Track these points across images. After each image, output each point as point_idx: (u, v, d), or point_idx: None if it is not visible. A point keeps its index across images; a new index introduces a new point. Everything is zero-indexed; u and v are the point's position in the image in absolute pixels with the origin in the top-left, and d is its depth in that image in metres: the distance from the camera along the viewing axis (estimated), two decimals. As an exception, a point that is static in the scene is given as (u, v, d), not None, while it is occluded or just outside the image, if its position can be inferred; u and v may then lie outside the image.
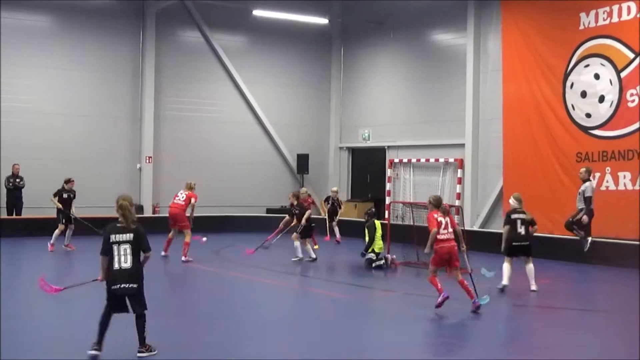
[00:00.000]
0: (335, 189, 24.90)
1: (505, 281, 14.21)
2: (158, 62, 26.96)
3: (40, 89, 25.15)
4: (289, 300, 14.01)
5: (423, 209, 17.02)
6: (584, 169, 18.25)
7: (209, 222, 20.49)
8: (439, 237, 11.99)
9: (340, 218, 23.90)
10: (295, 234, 18.77)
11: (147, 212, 26.29)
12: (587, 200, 17.76)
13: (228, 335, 10.42)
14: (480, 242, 19.91)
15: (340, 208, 23.98)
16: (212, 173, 27.41)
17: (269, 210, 28.39)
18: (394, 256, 18.10)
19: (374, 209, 19.04)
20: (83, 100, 25.87)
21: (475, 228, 23.14)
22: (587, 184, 17.88)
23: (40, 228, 21.38)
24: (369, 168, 29.47)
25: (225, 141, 28.35)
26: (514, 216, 14.37)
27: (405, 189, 26.80)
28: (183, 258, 17.67)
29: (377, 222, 18.06)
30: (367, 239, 17.78)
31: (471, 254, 17.17)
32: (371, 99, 29.05)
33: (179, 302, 13.40)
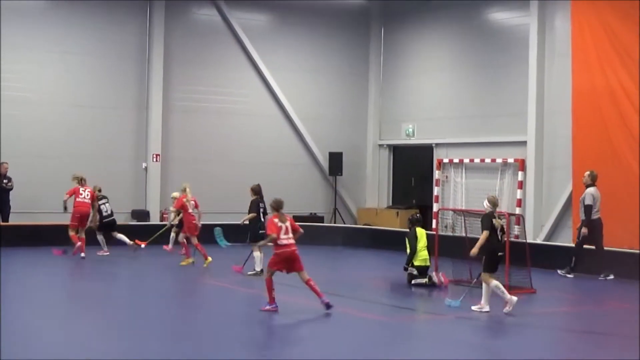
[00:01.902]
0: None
1: (488, 306, 14.07)
2: (167, 45, 26.99)
3: (31, 76, 25.29)
4: (324, 324, 13.87)
5: (477, 218, 16.83)
6: (587, 173, 18.91)
7: (225, 230, 20.32)
8: (279, 242, 13.41)
9: (379, 228, 23.78)
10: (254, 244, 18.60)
11: (154, 219, 26.32)
12: (587, 210, 18.30)
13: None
14: (543, 258, 19.70)
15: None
16: (229, 174, 27.38)
17: (295, 218, 28.04)
18: (442, 273, 17.91)
19: (419, 215, 18.92)
20: (80, 88, 25.96)
21: (539, 241, 22.87)
22: (588, 190, 18.48)
23: (31, 237, 21.48)
24: (413, 169, 29.30)
25: (245, 137, 28.33)
26: (495, 221, 14.32)
27: (456, 193, 26.61)
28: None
29: (421, 231, 17.92)
30: (408, 250, 17.66)
31: (534, 272, 17.06)
32: (416, 89, 28.86)
33: (198, 325, 13.30)
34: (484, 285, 14.24)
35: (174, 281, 18.34)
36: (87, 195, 20.51)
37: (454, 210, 22.19)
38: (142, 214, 26.27)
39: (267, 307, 13.51)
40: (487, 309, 14.04)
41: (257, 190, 19.25)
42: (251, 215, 18.84)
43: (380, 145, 30.18)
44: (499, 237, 14.26)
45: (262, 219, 18.75)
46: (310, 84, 29.48)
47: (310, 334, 12.82)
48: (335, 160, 28.81)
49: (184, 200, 19.91)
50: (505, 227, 14.65)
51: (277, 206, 13.77)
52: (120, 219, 24.07)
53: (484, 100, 26.37)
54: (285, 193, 28.13)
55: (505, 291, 14.04)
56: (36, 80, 25.37)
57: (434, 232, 19.85)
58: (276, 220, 13.55)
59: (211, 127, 27.80)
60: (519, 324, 11.99)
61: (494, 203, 14.59)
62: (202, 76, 27.72)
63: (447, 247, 18.93)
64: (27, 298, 14.96)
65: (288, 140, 29.11)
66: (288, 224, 13.60)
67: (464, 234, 18.73)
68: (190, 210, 19.84)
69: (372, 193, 29.97)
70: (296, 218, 27.73)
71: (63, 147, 25.47)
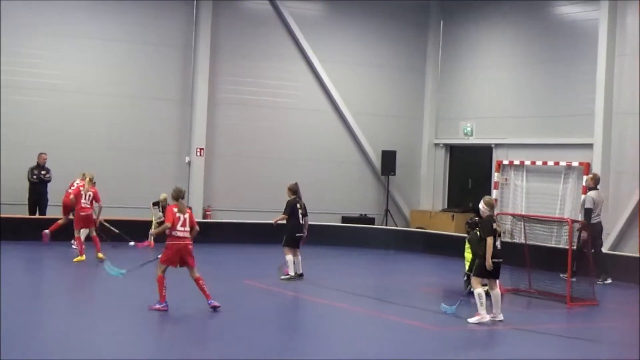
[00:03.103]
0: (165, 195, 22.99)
1: (487, 315, 13.99)
2: (214, 35, 27.05)
3: (71, 64, 25.47)
4: (379, 332, 13.77)
5: (537, 224, 16.66)
6: (590, 176, 19.96)
7: (271, 231, 20.22)
8: (174, 233, 13.41)
9: (433, 231, 23.59)
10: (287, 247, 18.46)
11: (197, 216, 26.29)
12: (586, 213, 19.20)
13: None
14: (609, 269, 19.48)
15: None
16: (277, 170, 27.34)
17: (345, 220, 28.22)
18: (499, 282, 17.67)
19: (477, 218, 18.71)
20: (123, 78, 26.13)
21: (604, 250, 22.52)
22: (590, 193, 19.45)
23: (68, 230, 21.43)
24: (470, 170, 29.09)
25: (293, 132, 28.31)
26: (495, 225, 14.19)
27: (515, 197, 26.30)
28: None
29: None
30: (466, 255, 17.42)
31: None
32: (476, 86, 28.63)
33: (247, 332, 13.27)
34: (491, 293, 14.11)
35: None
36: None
37: (514, 215, 21.95)
38: (184, 211, 26.30)
39: (157, 306, 13.38)
40: (487, 318, 13.96)
41: (294, 190, 18.95)
42: (282, 216, 18.60)
43: (437, 145, 29.97)
44: (495, 243, 14.08)
45: (302, 221, 18.55)
46: (363, 78, 29.36)
47: (351, 340, 12.71)
48: (389, 159, 28.66)
49: (81, 188, 19.71)
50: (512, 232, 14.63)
51: (177, 195, 13.77)
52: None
53: (547, 99, 26.04)
54: (334, 192, 28.45)
55: (484, 304, 13.92)
56: (78, 69, 25.53)
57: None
58: (175, 209, 13.57)
59: (258, 122, 27.79)
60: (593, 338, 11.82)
61: (491, 205, 14.43)
62: (249, 68, 27.73)
63: (505, 255, 18.68)
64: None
65: (338, 137, 29.01)
66: (187, 216, 13.61)
67: (523, 241, 18.53)
68: (83, 201, 19.55)
69: (427, 194, 29.77)
70: (345, 219, 28.07)
71: (104, 139, 25.66)
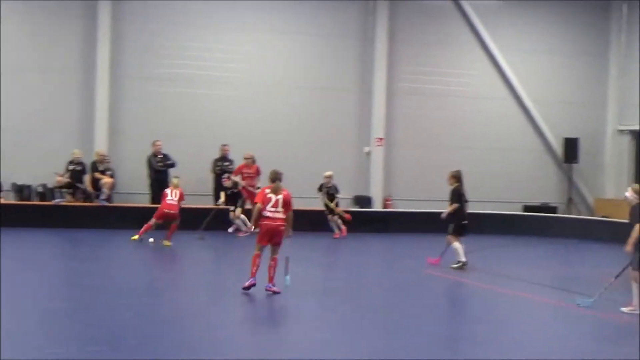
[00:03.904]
0: (329, 173, 23.94)
1: None
2: (392, 24, 27.06)
3: (254, 58, 26.05)
4: (573, 325, 13.50)
5: None
6: None
7: (433, 219, 20.12)
8: (264, 213, 13.60)
9: (619, 220, 22.83)
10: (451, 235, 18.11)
11: (377, 206, 26.56)
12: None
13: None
14: None
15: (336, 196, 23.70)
16: (455, 160, 26.89)
17: (526, 208, 27.81)
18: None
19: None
20: (302, 70, 26.54)
21: None
22: None
23: (188, 220, 21.40)
24: (658, 157, 28.08)
25: (471, 121, 28.04)
26: None
27: None
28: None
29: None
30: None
31: None
32: (663, 69, 27.64)
33: (431, 319, 13.28)
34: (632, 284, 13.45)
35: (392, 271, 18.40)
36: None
37: None
38: (365, 200, 26.52)
39: (247, 284, 13.47)
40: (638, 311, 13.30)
41: (458, 177, 18.68)
42: (455, 206, 18.20)
43: (621, 131, 29.05)
44: None
45: (466, 209, 18.30)
46: (543, 64, 28.77)
47: (534, 331, 12.52)
48: (571, 147, 28.02)
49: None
50: None
51: (272, 177, 13.96)
52: (342, 205, 24.46)
53: None
54: (514, 181, 28.06)
55: None
56: (261, 63, 26.12)
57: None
58: (267, 190, 13.83)
59: (435, 111, 27.66)
60: None
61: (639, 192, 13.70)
62: (427, 57, 27.62)
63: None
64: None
65: (518, 125, 28.56)
66: (280, 197, 13.69)
67: None
68: (169, 199, 20.36)
69: (612, 182, 28.92)
70: (526, 208, 27.62)
71: (285, 131, 26.10)
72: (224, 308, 12.70)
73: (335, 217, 23.65)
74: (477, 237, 23.72)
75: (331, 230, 23.44)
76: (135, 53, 24.97)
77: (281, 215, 13.71)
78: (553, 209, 28.05)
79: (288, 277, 13.93)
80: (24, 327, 10.57)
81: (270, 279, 13.58)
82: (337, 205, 23.77)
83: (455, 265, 17.75)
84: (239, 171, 23.35)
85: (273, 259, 13.70)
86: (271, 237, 13.71)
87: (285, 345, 10.71)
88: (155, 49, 25.06)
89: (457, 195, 18.27)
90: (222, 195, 22.83)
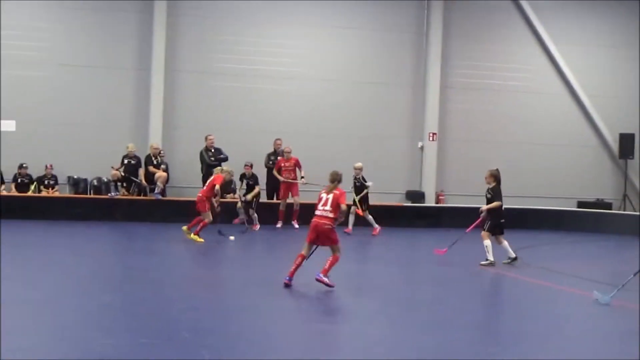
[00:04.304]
0: (359, 164, 22.61)
1: None
2: (446, 18, 27.03)
3: (307, 52, 26.29)
4: (598, 318, 13.40)
5: None
6: None
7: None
8: (315, 212, 13.68)
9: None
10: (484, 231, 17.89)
11: (429, 201, 26.52)
12: None
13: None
14: None
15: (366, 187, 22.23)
16: (509, 155, 27.02)
17: (580, 204, 27.57)
18: None
19: None
20: (356, 64, 26.65)
21: None
22: None
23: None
24: None
25: (525, 116, 27.90)
26: None
27: None
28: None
29: None
30: None
31: None
32: None
33: (484, 316, 13.25)
34: None
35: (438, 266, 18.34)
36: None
37: None
38: (417, 195, 26.49)
39: (284, 281, 13.49)
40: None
41: (497, 176, 18.46)
42: (498, 203, 18.02)
43: (678, 127, 28.73)
44: None
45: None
46: (599, 59, 28.50)
47: (578, 327, 12.41)
48: (627, 142, 27.73)
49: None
50: None
51: (332, 178, 13.87)
52: (395, 200, 24.46)
53: None
54: (569, 177, 27.86)
55: None
56: (314, 57, 26.31)
57: None
58: (323, 190, 13.91)
59: (489, 105, 27.60)
60: None
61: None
62: (480, 51, 27.54)
63: None
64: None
65: (573, 120, 28.34)
66: (330, 197, 13.64)
67: None
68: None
69: (668, 178, 28.64)
70: (580, 204, 27.38)
71: (338, 125, 26.24)
72: (276, 302, 12.76)
73: (366, 212, 22.46)
74: (530, 232, 23.68)
75: (370, 226, 22.50)
76: (189, 48, 25.23)
77: (329, 215, 13.58)
78: (608, 205, 27.79)
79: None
80: (79, 319, 10.73)
81: (324, 271, 13.50)
82: (364, 198, 22.41)
83: (484, 263, 17.64)
84: (278, 166, 23.35)
85: (333, 256, 13.67)
86: (317, 236, 13.63)
87: (339, 341, 10.75)
88: (209, 44, 25.30)
89: (500, 194, 18.20)
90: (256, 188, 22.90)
